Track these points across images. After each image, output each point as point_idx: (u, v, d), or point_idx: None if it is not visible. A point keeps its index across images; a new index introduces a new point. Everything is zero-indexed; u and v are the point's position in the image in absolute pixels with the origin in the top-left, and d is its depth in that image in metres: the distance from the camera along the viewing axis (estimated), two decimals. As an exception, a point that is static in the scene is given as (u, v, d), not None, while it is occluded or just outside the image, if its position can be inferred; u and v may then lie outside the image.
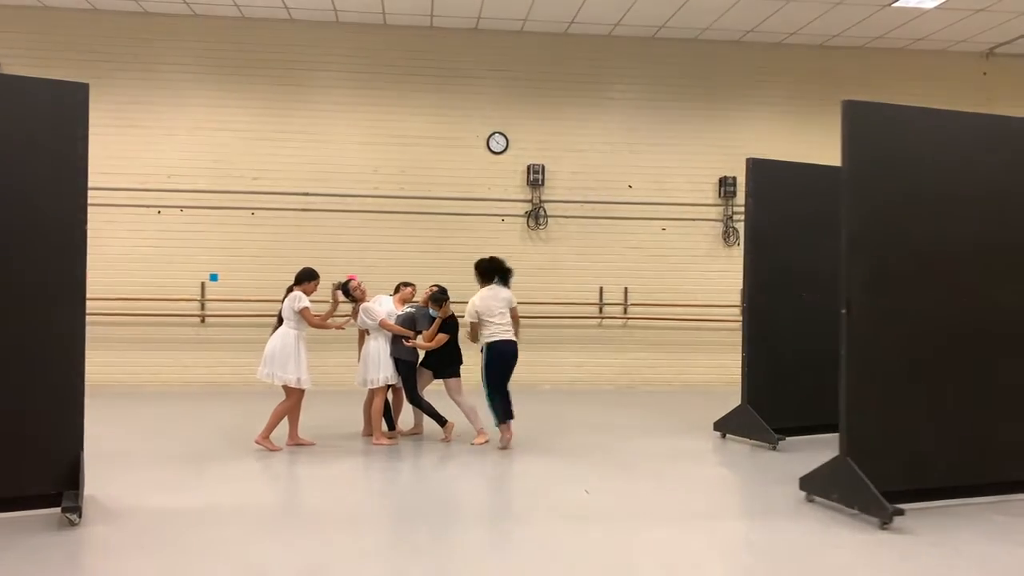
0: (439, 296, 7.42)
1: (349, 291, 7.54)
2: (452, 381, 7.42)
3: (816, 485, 5.60)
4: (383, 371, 7.33)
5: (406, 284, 7.89)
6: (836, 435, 7.75)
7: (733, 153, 11.22)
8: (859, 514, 5.24)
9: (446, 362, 7.46)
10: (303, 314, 7.02)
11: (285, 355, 6.94)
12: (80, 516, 4.84)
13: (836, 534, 4.97)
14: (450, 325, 7.46)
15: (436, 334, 7.40)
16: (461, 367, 7.50)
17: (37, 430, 4.95)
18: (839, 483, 5.35)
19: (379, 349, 7.34)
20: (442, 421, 7.50)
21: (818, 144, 11.43)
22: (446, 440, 7.50)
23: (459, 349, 7.53)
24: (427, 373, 7.61)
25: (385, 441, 7.37)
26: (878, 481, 5.12)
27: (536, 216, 11.25)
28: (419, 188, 11.07)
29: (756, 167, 7.72)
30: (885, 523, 5.03)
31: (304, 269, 7.26)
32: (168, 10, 10.52)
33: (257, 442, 7.01)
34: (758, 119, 11.60)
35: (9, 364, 4.88)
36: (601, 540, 4.84)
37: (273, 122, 10.86)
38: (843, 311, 5.33)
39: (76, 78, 5.41)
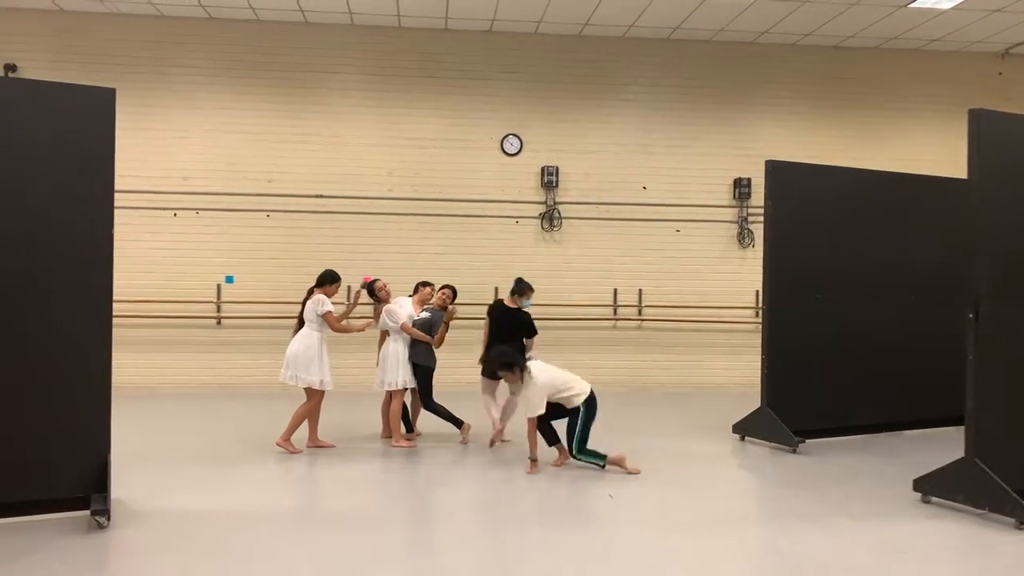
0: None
1: (374, 291, 7.58)
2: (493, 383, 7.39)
3: (937, 486, 5.66)
4: (402, 373, 7.35)
5: (424, 284, 7.87)
6: (858, 437, 7.87)
7: (748, 154, 11.22)
8: (987, 514, 5.28)
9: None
10: (326, 318, 7.05)
11: (308, 357, 6.97)
12: (109, 519, 4.86)
13: (977, 534, 5.02)
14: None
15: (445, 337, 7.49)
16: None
17: (66, 433, 4.99)
18: (966, 484, 5.40)
19: (398, 351, 7.36)
20: (458, 423, 7.50)
21: (834, 145, 11.45)
22: (463, 442, 7.50)
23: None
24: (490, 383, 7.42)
25: (404, 443, 7.38)
26: (1006, 481, 5.17)
27: (550, 218, 11.25)
28: (433, 190, 11.09)
29: (775, 169, 7.72)
30: (1023, 523, 5.08)
31: (326, 271, 7.28)
32: (184, 13, 10.55)
33: (278, 444, 7.04)
34: (773, 120, 11.58)
35: (38, 368, 4.92)
36: (660, 544, 4.84)
37: (288, 124, 10.89)
38: (970, 316, 5.36)
39: (92, 81, 5.45)
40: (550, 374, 6.52)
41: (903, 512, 5.52)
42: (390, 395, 7.49)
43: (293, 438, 7.09)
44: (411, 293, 7.88)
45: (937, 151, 11.56)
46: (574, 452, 6.51)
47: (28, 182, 4.91)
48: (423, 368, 7.41)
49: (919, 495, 5.77)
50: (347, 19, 10.70)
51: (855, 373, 7.89)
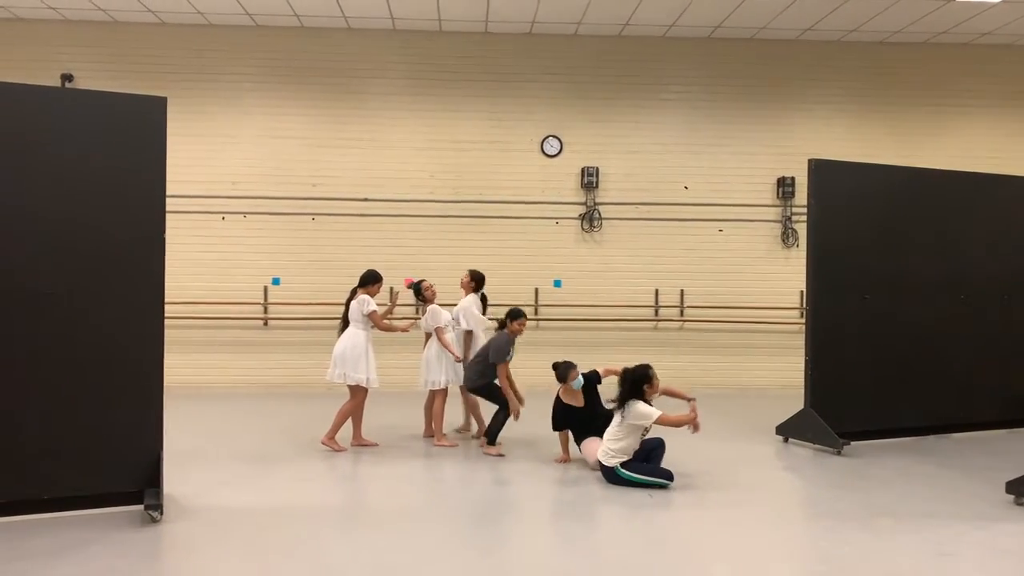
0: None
1: (421, 291, 7.68)
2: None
3: None
4: (445, 373, 7.44)
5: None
6: (905, 439, 7.74)
7: (791, 153, 11.10)
8: None
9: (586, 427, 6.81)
10: (371, 317, 7.18)
11: (356, 356, 7.11)
12: (161, 513, 5.03)
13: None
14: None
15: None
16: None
17: (121, 431, 5.18)
18: None
19: (441, 352, 7.45)
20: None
21: (881, 143, 11.27)
22: (476, 436, 7.58)
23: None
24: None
25: (446, 442, 7.47)
26: None
27: (590, 218, 11.26)
28: (474, 192, 11.18)
29: (819, 168, 7.63)
30: None
31: (368, 271, 7.41)
32: (231, 22, 10.81)
33: (323, 443, 7.18)
34: (818, 118, 11.43)
35: (95, 368, 5.12)
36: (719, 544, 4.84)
37: (332, 129, 11.08)
38: None
39: (145, 89, 5.62)
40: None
41: (1004, 515, 5.44)
42: (433, 394, 7.59)
43: (337, 437, 7.22)
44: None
45: (989, 148, 11.31)
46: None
47: (84, 189, 5.11)
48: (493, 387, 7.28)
49: (1012, 497, 5.69)
50: (389, 24, 10.85)
51: (901, 374, 7.76)
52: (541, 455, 7.10)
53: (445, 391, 7.52)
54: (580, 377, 6.73)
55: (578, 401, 6.77)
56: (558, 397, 6.85)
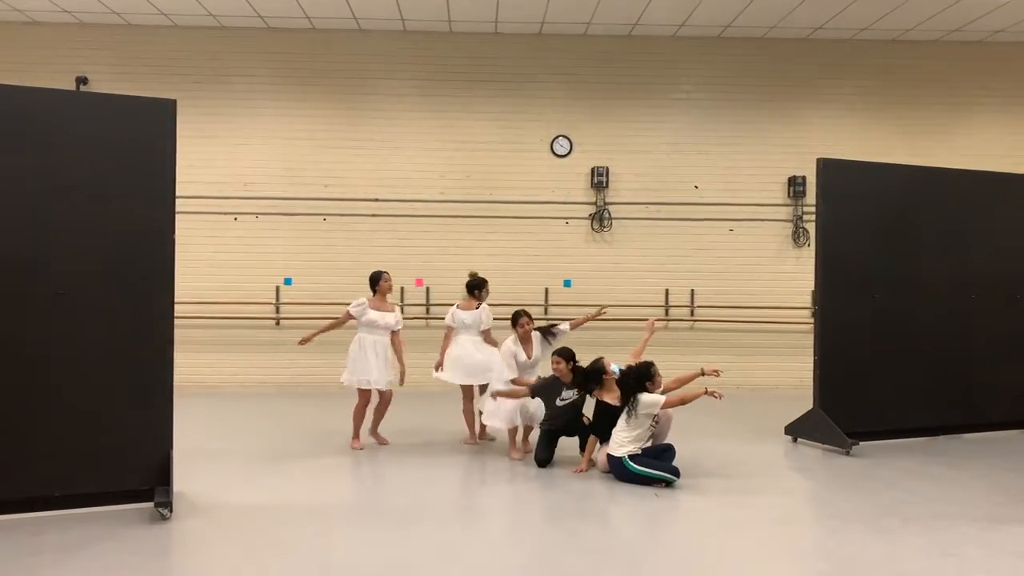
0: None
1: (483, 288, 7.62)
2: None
3: None
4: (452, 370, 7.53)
5: (521, 314, 7.30)
6: (915, 440, 7.70)
7: (802, 152, 11.06)
8: None
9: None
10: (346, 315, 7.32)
11: (351, 358, 7.26)
12: (171, 510, 5.09)
13: None
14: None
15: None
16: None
17: (132, 429, 5.24)
18: None
19: (462, 350, 7.53)
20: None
21: (894, 142, 11.21)
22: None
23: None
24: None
25: (470, 441, 7.55)
26: None
27: (600, 218, 11.26)
28: (484, 192, 11.21)
29: (827, 167, 7.60)
30: None
31: (375, 274, 7.45)
32: (243, 24, 10.90)
33: (352, 448, 7.24)
34: (829, 117, 11.38)
35: (106, 367, 5.19)
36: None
37: (343, 130, 11.15)
38: None
39: (157, 91, 5.68)
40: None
41: (1013, 516, 5.40)
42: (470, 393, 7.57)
43: (365, 434, 7.36)
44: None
45: (1001, 146, 11.23)
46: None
47: (95, 190, 5.18)
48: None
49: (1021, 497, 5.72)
50: (399, 25, 10.90)
51: (911, 374, 7.73)
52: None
53: (471, 388, 7.53)
54: (613, 364, 6.66)
55: (617, 396, 6.51)
56: (599, 402, 6.63)
